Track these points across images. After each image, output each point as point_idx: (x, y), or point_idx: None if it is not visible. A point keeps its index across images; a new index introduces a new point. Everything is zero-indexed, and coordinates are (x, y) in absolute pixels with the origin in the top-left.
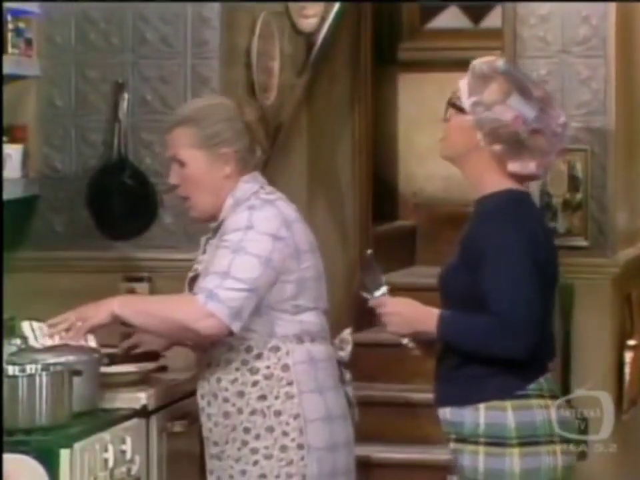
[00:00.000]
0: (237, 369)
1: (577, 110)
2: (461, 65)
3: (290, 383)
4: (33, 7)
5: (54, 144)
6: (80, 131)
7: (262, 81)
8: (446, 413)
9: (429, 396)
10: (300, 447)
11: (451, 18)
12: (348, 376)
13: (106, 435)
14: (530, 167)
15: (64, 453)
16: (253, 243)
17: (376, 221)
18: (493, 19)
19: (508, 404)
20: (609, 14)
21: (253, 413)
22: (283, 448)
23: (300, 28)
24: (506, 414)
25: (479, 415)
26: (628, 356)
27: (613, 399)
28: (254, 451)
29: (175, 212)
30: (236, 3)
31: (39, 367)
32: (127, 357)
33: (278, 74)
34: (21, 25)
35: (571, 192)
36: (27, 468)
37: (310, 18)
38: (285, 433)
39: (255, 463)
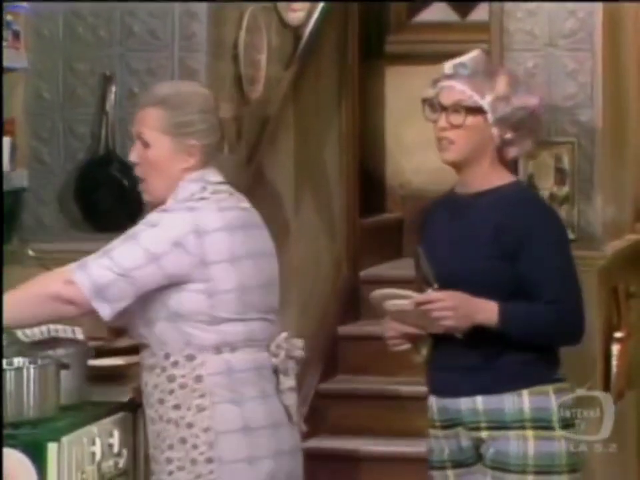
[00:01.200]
0: (158, 375)
1: (564, 103)
2: (448, 58)
3: (202, 395)
4: (22, 3)
5: (42, 137)
6: (68, 124)
7: (249, 74)
8: (475, 401)
9: (417, 388)
10: (208, 460)
11: (437, 11)
12: (288, 383)
13: (93, 429)
14: (527, 145)
15: (51, 447)
16: (149, 238)
17: (363, 214)
18: (480, 13)
19: (549, 388)
20: (596, 8)
21: (168, 421)
22: (193, 461)
23: (287, 21)
24: (549, 397)
25: (522, 401)
26: (615, 348)
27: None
28: (169, 460)
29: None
30: (224, 2)
31: (27, 360)
32: (114, 350)
33: (265, 67)
34: (9, 17)
35: (557, 185)
36: (15, 461)
37: (297, 11)
38: (194, 446)
39: (170, 473)
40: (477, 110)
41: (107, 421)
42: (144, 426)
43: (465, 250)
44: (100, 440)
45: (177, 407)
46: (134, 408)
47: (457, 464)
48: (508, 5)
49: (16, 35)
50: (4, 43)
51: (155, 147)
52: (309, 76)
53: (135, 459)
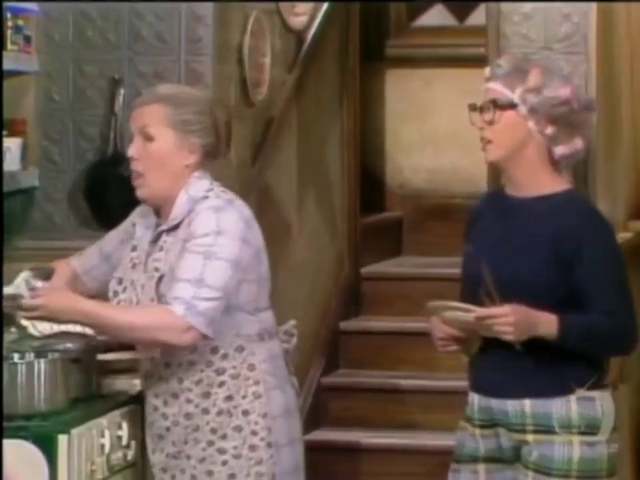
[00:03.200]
0: (202, 370)
1: None
2: (446, 61)
3: (257, 383)
4: (32, 6)
5: (52, 137)
6: (77, 125)
7: (253, 77)
8: (523, 404)
9: (416, 382)
10: (269, 445)
11: (436, 16)
12: (291, 367)
13: (103, 421)
14: (577, 144)
15: (62, 439)
16: (223, 247)
17: (364, 213)
18: (477, 17)
19: (596, 394)
20: (590, 12)
21: (219, 413)
22: (252, 447)
23: (290, 25)
24: (595, 403)
25: (570, 406)
26: None
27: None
28: (221, 450)
29: None
30: (229, 2)
31: (38, 354)
32: (122, 345)
33: (269, 70)
34: (20, 22)
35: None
36: (26, 453)
37: (300, 16)
38: (254, 432)
39: (224, 462)
40: (508, 104)
41: (115, 414)
42: None
43: (519, 255)
44: (109, 432)
45: (229, 397)
46: (142, 400)
47: (493, 460)
48: (505, 9)
49: (27, 40)
50: (15, 48)
51: (159, 141)
52: (311, 78)
53: (143, 451)
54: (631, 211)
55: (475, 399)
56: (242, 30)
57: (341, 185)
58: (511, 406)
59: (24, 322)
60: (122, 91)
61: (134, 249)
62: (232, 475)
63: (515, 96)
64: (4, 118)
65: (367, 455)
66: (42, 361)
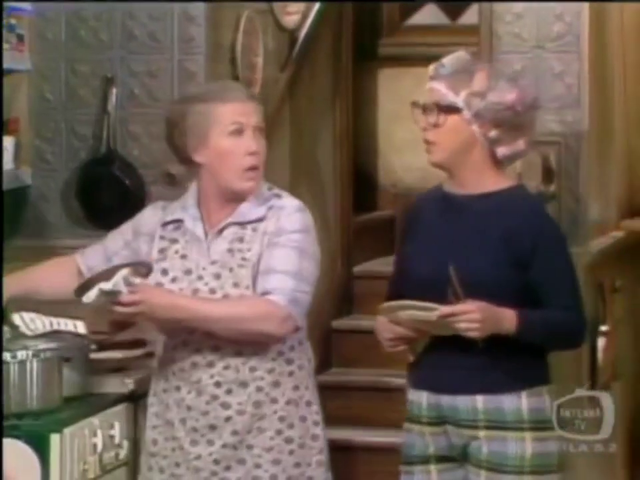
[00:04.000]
0: (274, 359)
1: (551, 104)
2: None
3: (311, 375)
4: (25, 5)
5: (45, 136)
6: (70, 124)
7: (246, 76)
8: (475, 400)
9: None
10: (324, 435)
11: (429, 15)
12: None
13: (95, 420)
14: (520, 145)
15: (54, 438)
16: (310, 245)
17: (356, 212)
18: (470, 16)
19: (544, 389)
20: (583, 12)
21: (288, 402)
22: (314, 437)
23: (283, 25)
24: (544, 398)
25: (522, 402)
26: (601, 342)
27: (587, 383)
28: (289, 440)
29: None
30: (221, 2)
31: (30, 353)
32: (115, 344)
33: (261, 69)
34: (12, 21)
35: (544, 183)
36: (18, 452)
37: (293, 15)
38: (315, 422)
39: (291, 452)
40: (452, 108)
41: (108, 413)
42: (144, 418)
43: (470, 253)
44: (101, 431)
45: (296, 387)
46: (134, 400)
47: (443, 459)
48: (497, 9)
49: (20, 38)
50: (8, 46)
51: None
52: (304, 77)
53: (135, 450)
54: (623, 210)
55: (423, 397)
56: (235, 29)
57: (333, 183)
58: (461, 402)
59: (16, 321)
60: (114, 90)
61: (174, 241)
62: (297, 464)
63: (460, 99)
64: None
65: (360, 453)
66: (34, 360)
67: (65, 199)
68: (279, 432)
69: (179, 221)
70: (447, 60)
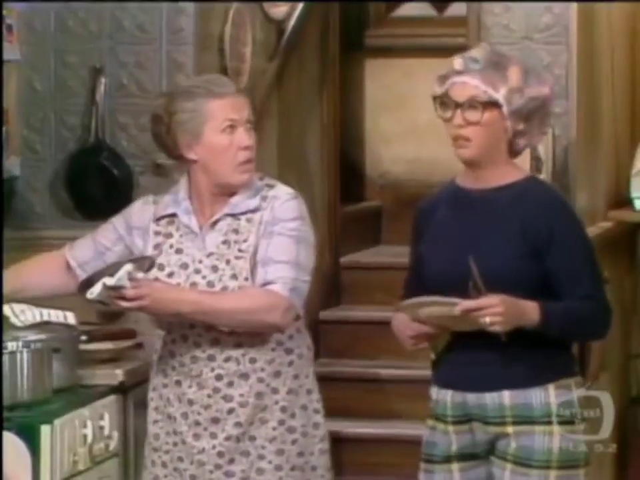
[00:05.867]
0: (274, 350)
1: None
2: (425, 51)
3: (311, 364)
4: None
5: (34, 126)
6: (59, 114)
7: (234, 66)
8: (502, 396)
9: (396, 371)
10: (324, 423)
11: (416, 6)
12: None
13: (85, 411)
14: (536, 136)
15: (44, 429)
16: (307, 233)
17: (343, 202)
18: (457, 7)
19: (572, 381)
20: (571, 3)
21: (289, 392)
22: (316, 425)
23: (271, 16)
24: (572, 392)
25: (549, 395)
26: None
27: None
28: (291, 429)
29: (151, 193)
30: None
31: (20, 344)
32: (105, 335)
33: (250, 59)
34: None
35: (534, 173)
36: (9, 443)
37: (280, 6)
38: (316, 410)
39: (294, 441)
40: (492, 104)
41: (98, 404)
42: (133, 409)
43: (490, 247)
44: (91, 422)
45: (296, 376)
46: (123, 391)
47: (466, 457)
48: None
49: (9, 29)
50: None
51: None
52: (291, 68)
53: (125, 441)
54: (610, 200)
55: (447, 395)
56: (223, 20)
57: (320, 174)
58: (488, 399)
59: (6, 312)
60: (103, 81)
61: (168, 235)
62: (300, 453)
63: (500, 96)
64: None
65: (348, 444)
66: (25, 351)
67: (53, 189)
68: (281, 422)
69: (172, 215)
70: (477, 54)
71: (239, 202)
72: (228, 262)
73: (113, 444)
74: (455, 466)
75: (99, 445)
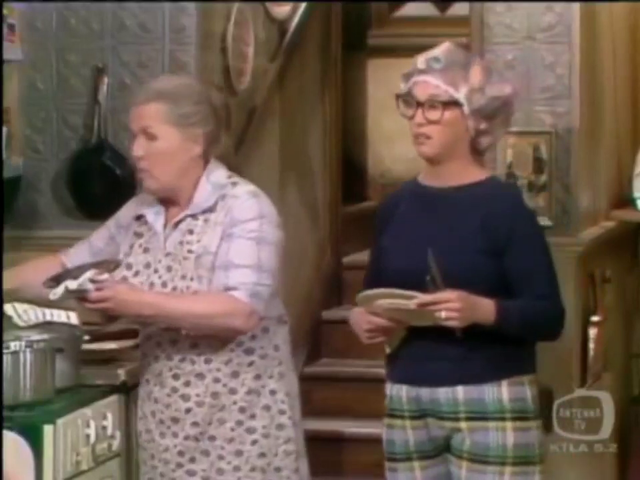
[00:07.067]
0: (232, 350)
1: (542, 94)
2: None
3: (280, 363)
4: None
5: (36, 126)
6: (61, 114)
7: (237, 66)
8: (456, 391)
9: None
10: (294, 424)
11: (418, 6)
12: None
13: (87, 411)
14: (499, 135)
15: (47, 429)
16: (269, 232)
17: (345, 202)
18: (459, 7)
19: (525, 379)
20: (573, 3)
21: (249, 392)
22: (280, 426)
23: (273, 15)
24: (525, 388)
25: (502, 391)
26: (592, 332)
27: (578, 373)
28: (251, 430)
29: None
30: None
31: (23, 344)
32: (108, 334)
33: (252, 59)
34: (4, 11)
35: (535, 173)
36: (11, 443)
37: (283, 6)
38: (281, 411)
39: (254, 442)
40: (452, 103)
41: (100, 404)
42: (135, 408)
43: (449, 244)
44: (94, 422)
45: (257, 376)
46: (126, 391)
47: (424, 455)
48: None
49: (11, 28)
50: None
51: (163, 139)
52: (293, 68)
53: (128, 441)
54: (613, 200)
55: (402, 390)
56: (225, 20)
57: (322, 174)
58: (443, 394)
59: (9, 312)
60: (105, 80)
61: (139, 235)
62: (262, 454)
63: (461, 95)
64: None
65: (350, 444)
66: (27, 350)
67: (55, 189)
68: (239, 423)
69: (143, 216)
70: (439, 53)
71: (199, 202)
72: (180, 262)
73: (116, 444)
74: (416, 464)
75: (101, 445)
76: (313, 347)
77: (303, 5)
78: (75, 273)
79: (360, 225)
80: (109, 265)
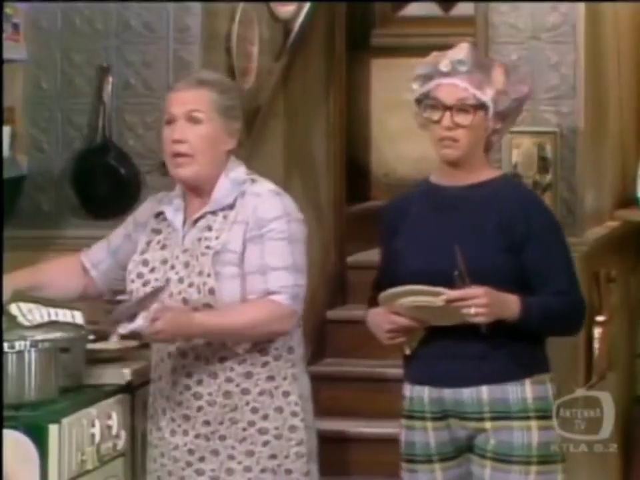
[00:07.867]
0: (246, 350)
1: (547, 94)
2: (431, 51)
3: (294, 365)
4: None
5: (40, 126)
6: (65, 113)
7: (241, 66)
8: (480, 391)
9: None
10: (307, 427)
11: (422, 6)
12: None
13: (93, 411)
14: (505, 133)
15: (52, 428)
16: (297, 230)
17: (349, 201)
18: (464, 7)
19: (546, 377)
20: (578, 3)
21: (261, 393)
22: (292, 428)
23: (278, 15)
24: (547, 387)
25: (526, 390)
26: (597, 332)
27: (583, 373)
28: (263, 431)
29: (157, 192)
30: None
31: (28, 343)
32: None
33: (256, 58)
34: (8, 11)
35: (540, 173)
36: (17, 442)
37: (287, 6)
38: (293, 413)
39: (265, 443)
40: (480, 106)
41: (105, 403)
42: (141, 408)
43: (468, 242)
44: (99, 422)
45: (271, 377)
46: (131, 390)
47: (445, 457)
48: None
49: (15, 28)
50: (3, 36)
51: (208, 125)
52: (298, 67)
53: (133, 441)
54: (617, 200)
55: (423, 392)
56: (230, 19)
57: (326, 173)
58: (467, 394)
59: (14, 311)
60: (110, 80)
61: (158, 232)
62: (273, 456)
63: (487, 98)
64: None
65: (355, 444)
66: (32, 350)
67: (60, 189)
68: (251, 423)
69: (162, 213)
70: (463, 55)
71: (218, 198)
72: (197, 258)
73: (121, 443)
74: (437, 466)
75: (106, 445)
76: (317, 347)
77: (307, 5)
78: (127, 315)
79: (364, 225)
80: (157, 294)
